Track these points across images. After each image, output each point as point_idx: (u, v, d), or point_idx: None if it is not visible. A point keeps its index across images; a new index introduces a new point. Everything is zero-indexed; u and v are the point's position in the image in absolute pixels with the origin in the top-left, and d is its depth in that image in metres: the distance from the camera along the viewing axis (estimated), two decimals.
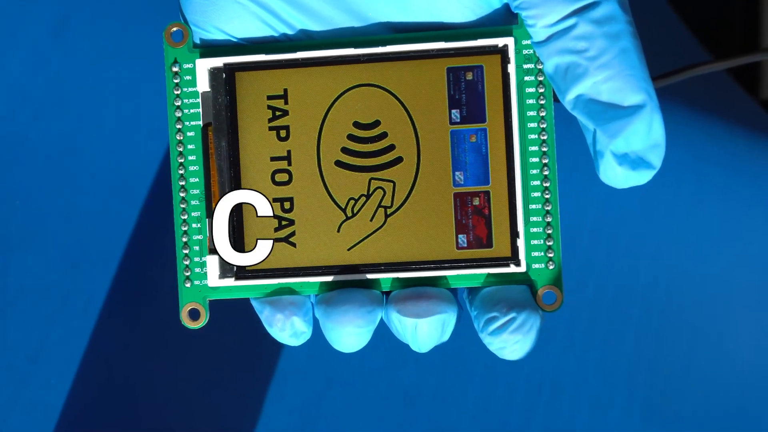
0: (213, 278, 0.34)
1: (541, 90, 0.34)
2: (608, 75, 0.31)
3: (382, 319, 0.34)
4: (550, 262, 0.34)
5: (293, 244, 0.34)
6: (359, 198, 0.34)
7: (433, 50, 0.34)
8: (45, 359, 0.44)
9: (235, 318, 0.46)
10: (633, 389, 0.57)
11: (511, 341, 0.32)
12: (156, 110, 0.46)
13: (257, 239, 0.34)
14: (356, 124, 0.34)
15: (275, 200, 0.34)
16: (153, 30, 0.45)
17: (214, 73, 0.34)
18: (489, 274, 0.34)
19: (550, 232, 0.34)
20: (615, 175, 0.32)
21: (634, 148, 0.31)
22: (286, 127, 0.34)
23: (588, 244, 0.57)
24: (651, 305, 0.59)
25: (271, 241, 0.34)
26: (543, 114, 0.34)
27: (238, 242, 0.34)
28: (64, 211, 0.45)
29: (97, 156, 0.46)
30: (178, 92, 0.35)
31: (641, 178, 0.32)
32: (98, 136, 0.46)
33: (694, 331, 0.60)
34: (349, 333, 0.33)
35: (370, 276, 0.34)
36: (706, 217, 0.62)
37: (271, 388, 0.47)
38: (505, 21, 0.34)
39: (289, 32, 0.34)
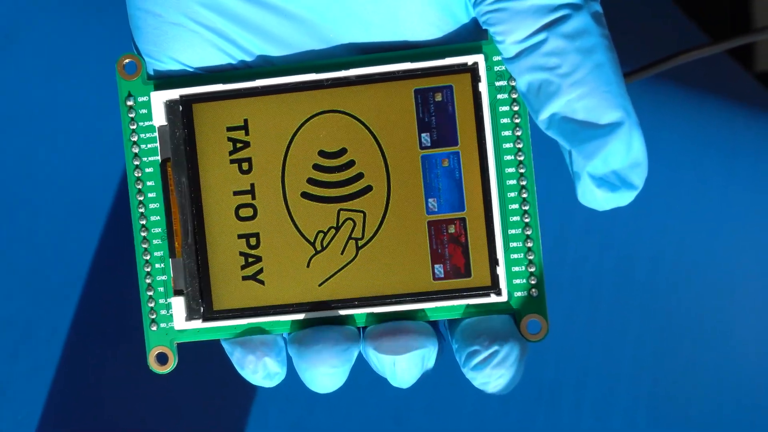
0: (179, 321, 0.33)
1: (516, 108, 0.32)
2: (582, 92, 0.29)
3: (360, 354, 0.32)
4: (533, 290, 0.32)
5: (261, 282, 0.32)
6: (328, 230, 0.32)
7: (399, 72, 0.32)
8: (11, 393, 0.42)
9: (206, 350, 0.44)
10: (637, 393, 0.56)
11: (494, 376, 0.31)
12: (110, 128, 0.44)
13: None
14: (322, 153, 0.32)
15: (240, 236, 0.33)
16: (104, 45, 0.44)
17: (170, 105, 0.33)
18: (469, 305, 0.32)
19: (531, 257, 0.32)
20: (594, 198, 0.30)
21: (612, 169, 0.30)
22: (248, 159, 0.32)
23: (579, 240, 0.55)
24: (651, 303, 0.57)
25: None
26: (519, 133, 0.32)
27: (204, 285, 0.32)
28: (21, 237, 0.44)
29: (53, 177, 0.44)
30: (134, 127, 0.33)
31: (622, 199, 0.30)
32: (53, 156, 0.45)
33: (698, 327, 0.58)
34: (324, 374, 0.31)
35: (343, 312, 0.32)
36: (707, 204, 0.60)
37: (253, 409, 0.46)
38: (474, 36, 0.32)
39: (247, 58, 0.32)
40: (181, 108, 0.32)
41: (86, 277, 0.44)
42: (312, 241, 0.32)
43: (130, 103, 0.33)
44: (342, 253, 0.32)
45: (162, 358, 0.33)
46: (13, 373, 0.42)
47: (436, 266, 0.32)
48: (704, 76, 0.66)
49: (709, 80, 0.65)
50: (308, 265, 0.32)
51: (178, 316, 0.33)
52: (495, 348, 0.31)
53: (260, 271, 0.32)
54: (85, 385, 0.43)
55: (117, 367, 0.43)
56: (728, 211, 0.61)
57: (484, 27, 0.31)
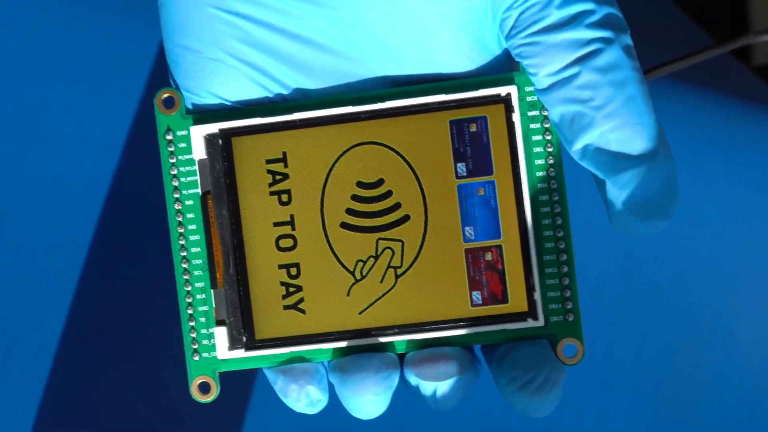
0: (222, 350, 0.33)
1: (548, 137, 0.33)
2: (615, 124, 0.30)
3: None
4: (569, 314, 0.33)
5: (303, 311, 0.33)
6: (367, 260, 0.33)
7: (434, 103, 0.33)
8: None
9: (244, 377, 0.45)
10: (640, 395, 0.56)
11: (534, 401, 0.32)
12: (146, 158, 0.45)
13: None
14: (359, 184, 0.33)
15: (281, 266, 0.33)
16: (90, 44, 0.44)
17: (209, 139, 0.33)
18: (506, 330, 0.33)
19: (566, 282, 0.33)
20: (628, 227, 0.31)
21: (646, 199, 0.30)
22: (288, 191, 0.33)
23: (590, 241, 0.55)
24: (654, 302, 0.58)
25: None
26: (552, 162, 0.33)
27: (246, 315, 0.33)
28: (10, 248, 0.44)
29: (42, 182, 0.45)
30: (174, 160, 0.34)
31: (655, 228, 0.31)
32: (86, 185, 0.45)
33: (701, 327, 0.59)
34: (368, 401, 0.32)
35: (383, 339, 0.33)
36: (708, 201, 0.61)
37: (249, 414, 0.46)
38: (505, 66, 0.33)
39: (284, 92, 0.33)
40: (220, 142, 0.33)
41: (78, 277, 0.44)
42: (352, 270, 0.33)
43: (169, 137, 0.34)
44: (381, 282, 0.33)
45: (204, 387, 0.34)
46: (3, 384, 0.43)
47: (474, 293, 0.33)
48: (701, 72, 0.66)
49: (706, 75, 0.66)
50: (348, 294, 0.33)
51: (221, 346, 0.33)
52: (534, 373, 0.31)
53: (301, 300, 0.33)
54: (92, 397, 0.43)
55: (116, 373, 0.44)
56: (730, 207, 0.62)
57: (516, 59, 0.32)
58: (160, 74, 0.47)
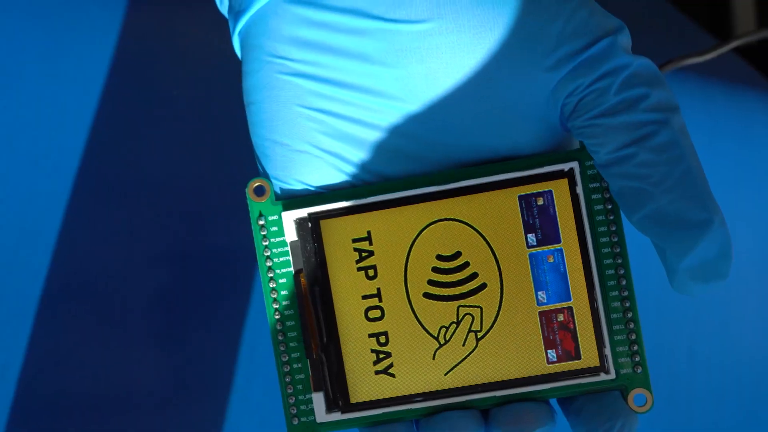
0: (320, 414, 0.37)
1: (609, 206, 0.36)
2: (672, 198, 0.33)
3: None
4: (638, 366, 0.36)
5: (392, 375, 0.36)
6: (450, 325, 0.36)
7: (503, 180, 0.36)
8: None
9: None
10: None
11: None
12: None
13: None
14: (439, 257, 0.36)
15: (371, 335, 0.36)
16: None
17: (300, 223, 0.36)
18: (580, 384, 0.36)
19: (633, 338, 0.36)
20: (688, 289, 0.34)
21: (703, 264, 0.33)
22: (374, 267, 0.36)
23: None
24: (646, 295, 0.57)
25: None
26: (614, 228, 0.36)
27: (340, 381, 0.36)
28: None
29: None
30: (266, 243, 0.37)
31: (713, 288, 0.34)
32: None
33: (695, 319, 0.59)
34: None
35: (469, 397, 0.36)
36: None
37: None
38: (567, 141, 0.36)
39: (365, 176, 0.36)
40: (310, 224, 0.36)
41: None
42: (436, 335, 0.36)
43: (261, 222, 0.37)
44: (464, 345, 0.36)
45: None
46: None
47: (549, 351, 0.36)
48: (702, 69, 0.64)
49: (710, 72, 0.65)
50: (434, 357, 0.36)
51: (319, 410, 0.36)
52: (612, 423, 0.35)
53: (391, 365, 0.36)
54: None
55: None
56: (728, 207, 0.62)
57: (578, 138, 0.35)
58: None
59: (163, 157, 0.48)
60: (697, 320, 0.59)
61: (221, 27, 0.44)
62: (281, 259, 0.37)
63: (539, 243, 0.36)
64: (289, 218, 0.36)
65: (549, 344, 0.36)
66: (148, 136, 0.48)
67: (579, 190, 0.36)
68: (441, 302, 0.36)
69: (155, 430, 0.45)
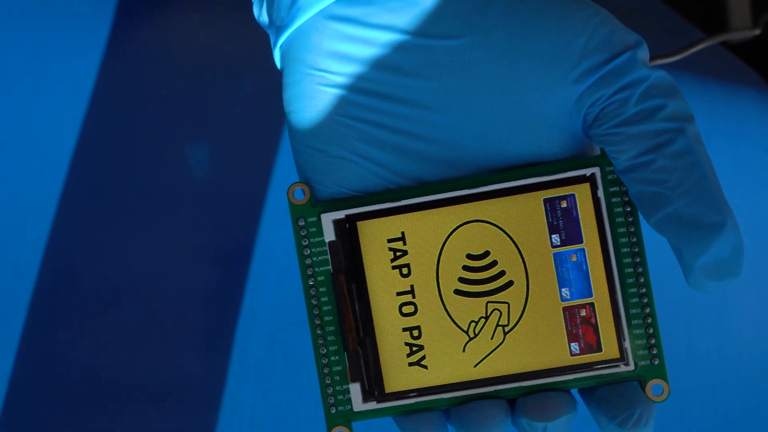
0: (357, 403, 0.39)
1: (628, 209, 0.38)
2: (689, 201, 0.36)
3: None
4: (655, 358, 0.38)
5: (425, 366, 0.39)
6: (479, 320, 0.39)
7: (529, 185, 0.38)
8: None
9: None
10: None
11: None
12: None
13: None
14: (469, 256, 0.39)
15: (404, 329, 0.39)
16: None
17: (338, 224, 0.39)
18: (601, 375, 0.38)
19: (651, 332, 0.38)
20: (703, 287, 0.36)
21: (717, 263, 0.36)
22: (407, 265, 0.39)
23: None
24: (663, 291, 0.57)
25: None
26: (632, 230, 0.38)
27: (376, 372, 0.39)
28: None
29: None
30: (306, 243, 0.39)
31: (726, 284, 0.36)
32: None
33: (691, 312, 0.60)
34: None
35: (496, 388, 0.39)
36: None
37: None
38: (588, 148, 0.39)
39: (400, 180, 0.39)
40: (347, 226, 0.39)
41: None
42: (466, 329, 0.39)
43: (301, 223, 0.39)
44: (492, 338, 0.39)
45: None
46: None
47: (572, 344, 0.38)
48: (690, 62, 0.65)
49: (697, 65, 0.66)
50: (464, 350, 0.39)
51: (356, 400, 0.39)
52: (632, 411, 0.37)
53: (423, 357, 0.39)
54: None
55: None
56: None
57: (599, 145, 0.38)
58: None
59: (202, 160, 0.50)
60: (695, 316, 0.60)
61: (210, 26, 0.45)
62: (320, 258, 0.39)
63: (563, 243, 0.38)
64: (328, 219, 0.39)
65: (572, 337, 0.38)
66: (191, 138, 0.49)
67: (600, 193, 0.38)
68: (471, 298, 0.39)
69: (203, 423, 0.47)
